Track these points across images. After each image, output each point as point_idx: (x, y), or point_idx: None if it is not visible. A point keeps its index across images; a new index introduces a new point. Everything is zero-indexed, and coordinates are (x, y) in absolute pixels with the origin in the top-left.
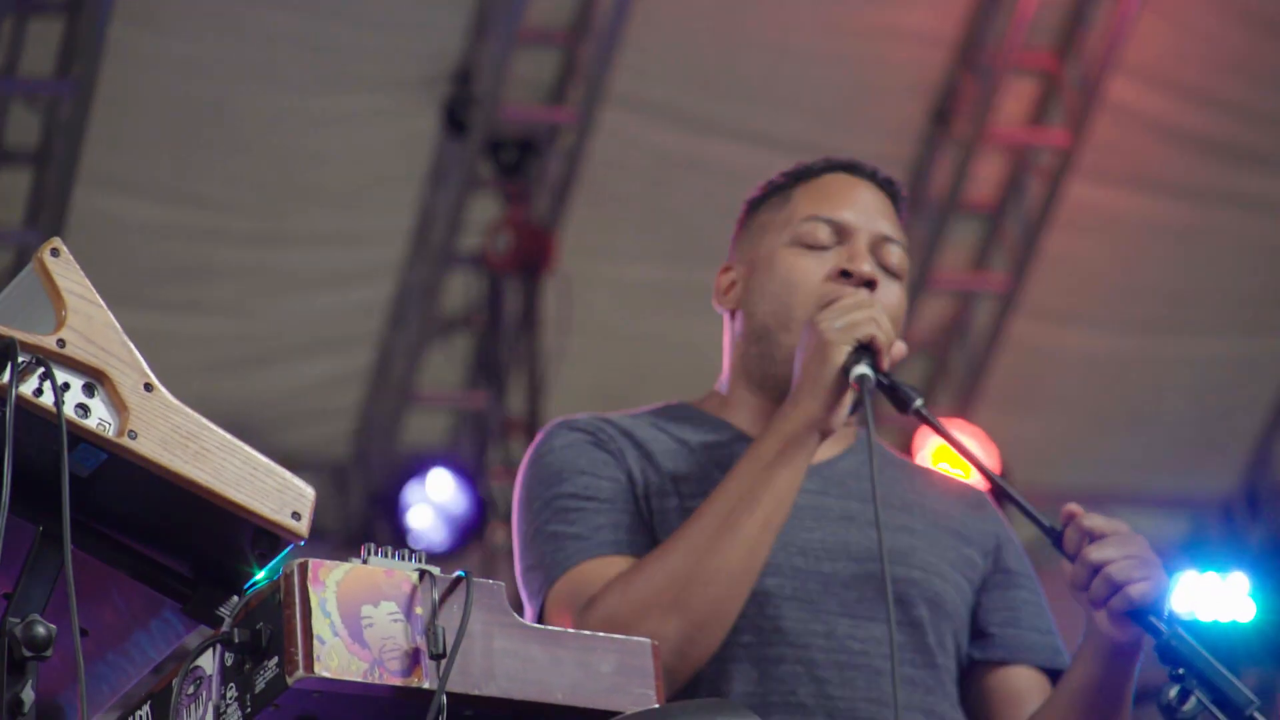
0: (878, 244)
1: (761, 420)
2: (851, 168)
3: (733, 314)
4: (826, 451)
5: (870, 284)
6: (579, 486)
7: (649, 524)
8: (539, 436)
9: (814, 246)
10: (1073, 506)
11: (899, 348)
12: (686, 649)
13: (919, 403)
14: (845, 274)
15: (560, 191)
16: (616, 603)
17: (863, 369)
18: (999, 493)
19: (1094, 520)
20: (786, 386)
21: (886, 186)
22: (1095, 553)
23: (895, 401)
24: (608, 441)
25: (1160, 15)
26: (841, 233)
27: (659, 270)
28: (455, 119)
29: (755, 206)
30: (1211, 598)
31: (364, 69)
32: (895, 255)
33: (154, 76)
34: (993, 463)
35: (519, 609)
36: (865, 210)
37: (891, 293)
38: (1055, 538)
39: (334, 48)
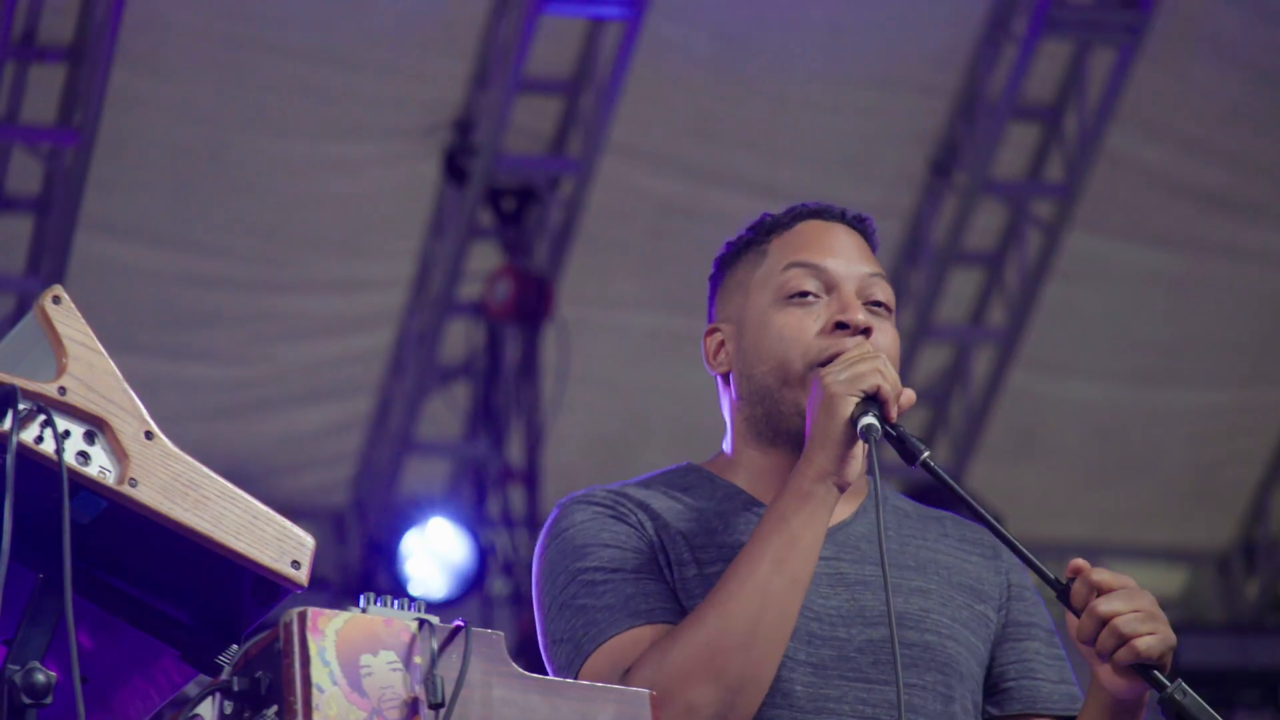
0: (864, 285)
1: (771, 479)
2: (821, 212)
3: (726, 377)
4: (839, 513)
5: (866, 331)
6: (604, 559)
7: (675, 593)
8: (555, 512)
9: (802, 299)
10: (1079, 561)
11: (907, 396)
12: (726, 714)
13: (926, 454)
14: (841, 325)
15: (560, 240)
16: (653, 673)
17: (869, 419)
18: (1007, 546)
19: (1101, 574)
20: (798, 441)
21: (858, 225)
22: (1103, 605)
23: (902, 453)
24: (627, 515)
25: (1158, 66)
26: (827, 281)
27: (658, 319)
28: (456, 167)
29: (728, 264)
30: (1201, 647)
31: (365, 116)
32: (882, 291)
33: (155, 123)
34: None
35: (520, 659)
36: (845, 254)
37: (886, 333)
38: (1060, 590)
39: (335, 95)
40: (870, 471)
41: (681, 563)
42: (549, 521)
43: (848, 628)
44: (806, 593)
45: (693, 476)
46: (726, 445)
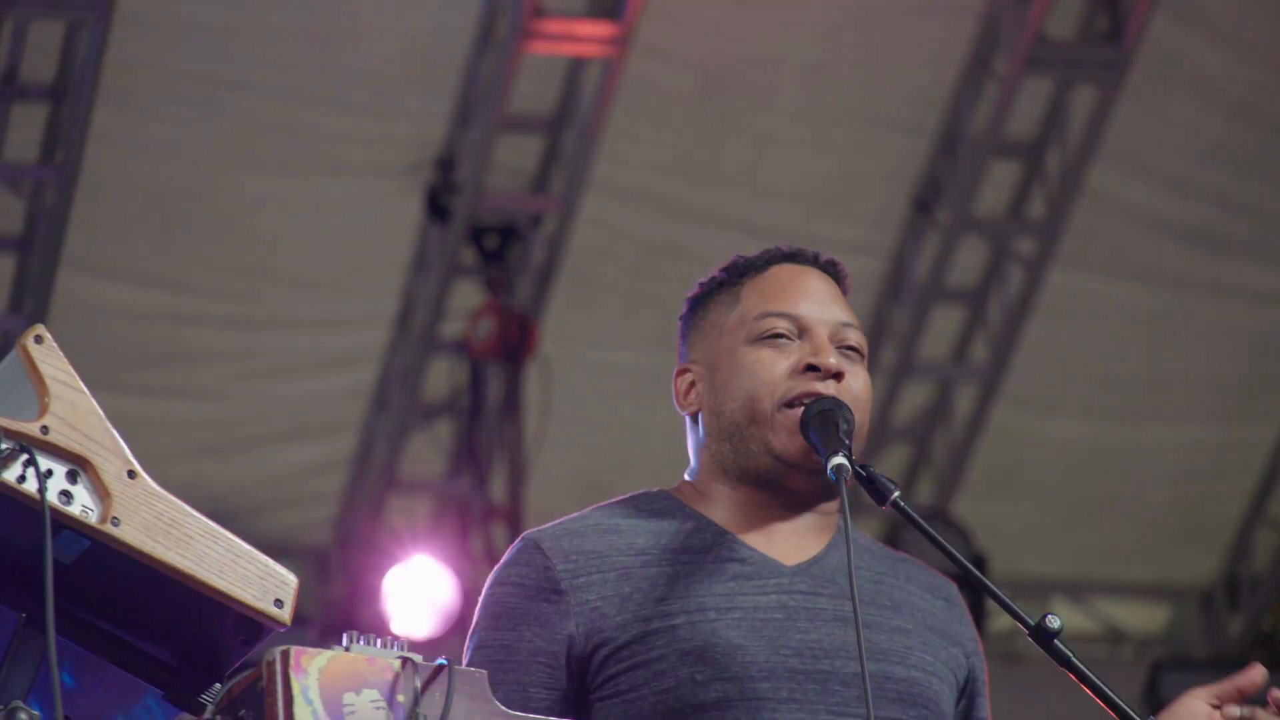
0: (836, 331)
1: (740, 514)
2: (793, 256)
3: (695, 416)
4: (811, 547)
5: (838, 376)
6: (502, 640)
7: (568, 682)
8: (511, 548)
9: (775, 339)
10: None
11: None
12: None
13: (897, 495)
14: (812, 368)
15: (542, 278)
16: None
17: (840, 459)
18: (979, 587)
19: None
20: (767, 478)
21: (830, 270)
22: None
23: (873, 493)
24: (554, 597)
25: (1139, 104)
26: (800, 325)
27: (640, 357)
28: (438, 205)
29: (700, 305)
30: (1185, 685)
31: (347, 155)
32: (854, 338)
33: (138, 162)
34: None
35: None
36: (818, 300)
37: (859, 378)
38: (1031, 630)
39: (317, 133)
40: (840, 510)
41: (610, 641)
42: (508, 553)
43: (830, 660)
44: (784, 629)
45: (663, 502)
46: (689, 477)
